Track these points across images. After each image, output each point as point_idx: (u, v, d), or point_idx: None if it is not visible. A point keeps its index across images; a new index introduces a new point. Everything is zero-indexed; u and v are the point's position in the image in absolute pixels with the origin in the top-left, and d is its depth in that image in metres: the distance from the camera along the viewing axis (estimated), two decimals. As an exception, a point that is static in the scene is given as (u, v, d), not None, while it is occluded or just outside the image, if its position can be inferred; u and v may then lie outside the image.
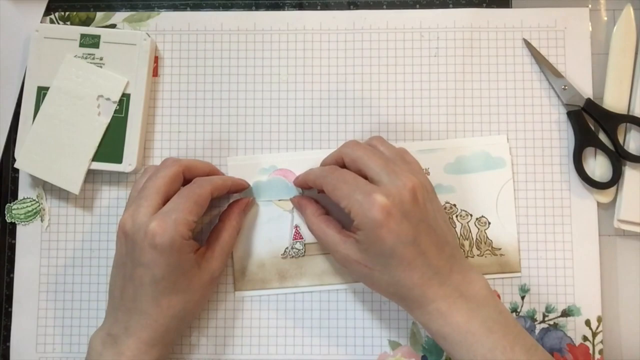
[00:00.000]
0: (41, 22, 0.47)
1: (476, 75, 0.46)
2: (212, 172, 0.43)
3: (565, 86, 0.45)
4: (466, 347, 0.34)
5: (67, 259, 0.45)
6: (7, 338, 0.45)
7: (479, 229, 0.44)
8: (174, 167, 0.39)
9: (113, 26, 0.47)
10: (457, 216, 0.44)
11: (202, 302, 0.41)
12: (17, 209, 0.46)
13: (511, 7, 0.46)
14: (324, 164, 0.42)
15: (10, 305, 0.45)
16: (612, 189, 0.44)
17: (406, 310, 0.38)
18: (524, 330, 0.36)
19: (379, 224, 0.34)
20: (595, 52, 0.46)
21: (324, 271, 0.44)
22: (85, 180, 0.44)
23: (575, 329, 0.44)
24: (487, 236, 0.44)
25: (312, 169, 0.42)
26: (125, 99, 0.44)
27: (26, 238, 0.46)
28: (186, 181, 0.40)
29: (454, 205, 0.44)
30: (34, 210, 0.46)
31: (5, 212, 0.46)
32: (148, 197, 0.38)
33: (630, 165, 0.44)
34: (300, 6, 0.47)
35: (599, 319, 0.44)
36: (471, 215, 0.44)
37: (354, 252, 0.37)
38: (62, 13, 0.47)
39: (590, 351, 0.43)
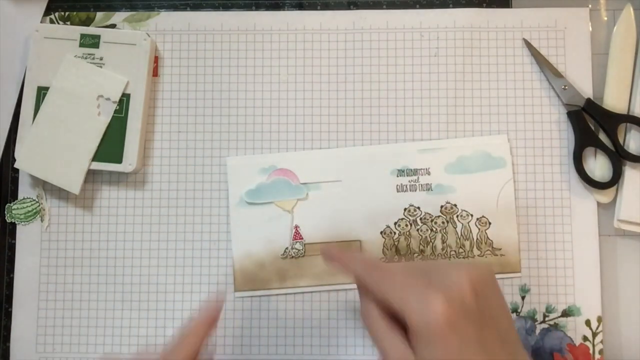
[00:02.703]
0: (41, 22, 0.47)
1: (476, 75, 0.46)
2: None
3: (565, 86, 0.45)
4: None
5: (67, 259, 0.45)
6: (7, 338, 0.45)
7: (479, 229, 0.44)
8: None
9: (113, 26, 0.47)
10: (457, 216, 0.44)
11: None
12: (17, 209, 0.46)
13: (511, 7, 0.46)
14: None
15: (10, 305, 0.45)
16: (612, 189, 0.44)
17: None
18: None
19: (441, 333, 0.29)
20: (595, 52, 0.46)
21: (324, 271, 0.44)
22: (85, 180, 0.44)
23: (575, 329, 0.44)
24: (487, 236, 0.44)
25: (353, 256, 0.36)
26: (125, 99, 0.44)
27: (26, 238, 0.46)
28: None
29: (455, 205, 0.44)
30: (34, 210, 0.46)
31: (5, 212, 0.46)
32: None
33: (630, 165, 0.44)
34: (300, 6, 0.47)
35: (599, 319, 0.44)
36: (472, 216, 0.44)
37: None
38: (62, 13, 0.47)
39: (590, 351, 0.43)
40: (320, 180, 0.45)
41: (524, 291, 0.44)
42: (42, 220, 0.46)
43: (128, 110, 0.44)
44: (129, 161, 0.44)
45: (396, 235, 0.44)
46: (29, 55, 0.45)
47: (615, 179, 0.43)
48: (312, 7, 0.47)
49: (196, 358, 0.34)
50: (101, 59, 0.45)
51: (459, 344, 0.29)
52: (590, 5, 0.46)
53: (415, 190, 0.45)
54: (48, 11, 0.47)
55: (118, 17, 0.47)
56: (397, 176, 0.45)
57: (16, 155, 0.44)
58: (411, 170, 0.45)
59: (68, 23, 0.47)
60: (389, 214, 0.44)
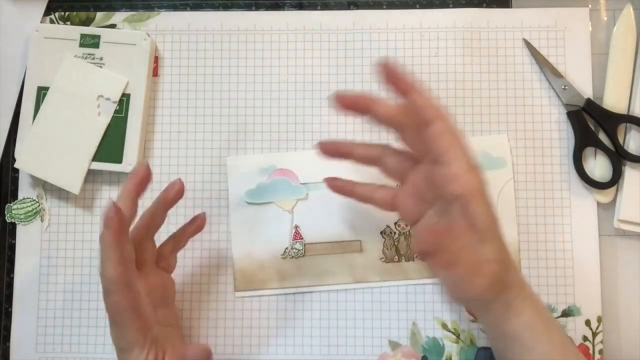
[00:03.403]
0: (41, 22, 0.47)
1: (476, 75, 0.46)
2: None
3: (565, 86, 0.45)
4: (529, 347, 0.35)
5: (67, 259, 0.45)
6: (7, 338, 0.45)
7: (479, 229, 0.44)
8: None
9: (113, 26, 0.47)
10: (457, 216, 0.44)
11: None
12: (17, 209, 0.46)
13: (511, 7, 0.46)
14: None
15: (10, 305, 0.45)
16: (612, 189, 0.44)
17: (480, 308, 0.37)
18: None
19: (481, 195, 0.33)
20: (595, 52, 0.46)
21: (324, 271, 0.44)
22: (85, 180, 0.44)
23: (575, 329, 0.44)
24: (487, 236, 0.44)
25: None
26: (125, 99, 0.44)
27: (26, 238, 0.46)
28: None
29: (454, 205, 0.44)
30: (34, 210, 0.46)
31: (5, 212, 0.46)
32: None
33: (630, 165, 0.44)
34: (300, 6, 0.47)
35: (599, 319, 0.44)
36: (471, 215, 0.44)
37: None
38: (62, 13, 0.47)
39: (590, 351, 0.43)
40: (320, 180, 0.45)
41: (524, 291, 0.44)
42: (42, 220, 0.46)
43: (128, 110, 0.44)
44: (129, 161, 0.44)
45: (396, 235, 0.44)
46: (29, 55, 0.45)
47: (615, 179, 0.43)
48: (312, 7, 0.47)
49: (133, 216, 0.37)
50: (101, 59, 0.45)
51: (488, 206, 0.34)
52: (590, 5, 0.46)
53: (415, 190, 0.44)
54: (48, 11, 0.47)
55: (118, 17, 0.47)
56: (397, 176, 0.45)
57: (16, 155, 0.44)
58: (411, 170, 0.45)
59: (68, 23, 0.47)
60: (389, 214, 0.44)
